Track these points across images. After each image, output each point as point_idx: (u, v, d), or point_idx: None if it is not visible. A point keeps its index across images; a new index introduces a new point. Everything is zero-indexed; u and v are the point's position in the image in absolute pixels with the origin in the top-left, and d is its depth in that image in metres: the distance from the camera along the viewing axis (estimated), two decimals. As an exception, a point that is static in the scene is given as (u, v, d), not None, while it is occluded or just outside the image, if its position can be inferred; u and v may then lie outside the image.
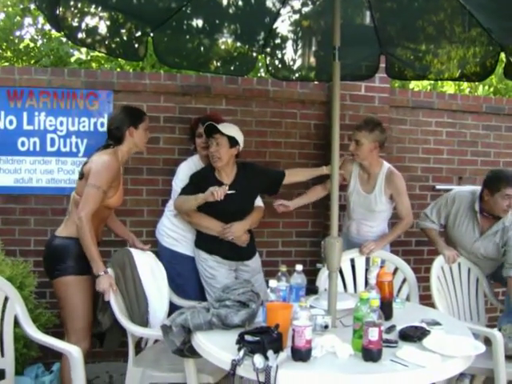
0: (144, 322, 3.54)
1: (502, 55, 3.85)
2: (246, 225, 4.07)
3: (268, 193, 4.40)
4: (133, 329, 3.39)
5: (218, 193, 3.69)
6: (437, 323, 2.99)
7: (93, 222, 3.49)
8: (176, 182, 4.25)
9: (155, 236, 4.44)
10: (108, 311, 3.42)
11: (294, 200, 4.38)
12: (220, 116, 4.43)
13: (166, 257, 4.20)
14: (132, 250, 3.70)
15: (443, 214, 4.27)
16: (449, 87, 7.33)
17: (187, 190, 4.01)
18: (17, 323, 3.12)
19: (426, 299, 4.02)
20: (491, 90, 7.13)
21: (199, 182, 3.99)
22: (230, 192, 3.78)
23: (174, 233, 4.29)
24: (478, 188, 4.19)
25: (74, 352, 2.96)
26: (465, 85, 7.26)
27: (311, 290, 3.41)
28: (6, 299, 3.09)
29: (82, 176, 3.66)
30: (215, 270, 4.05)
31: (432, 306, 3.75)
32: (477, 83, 6.95)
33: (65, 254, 3.57)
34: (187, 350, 2.79)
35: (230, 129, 3.97)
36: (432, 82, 6.80)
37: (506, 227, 4.03)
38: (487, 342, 3.46)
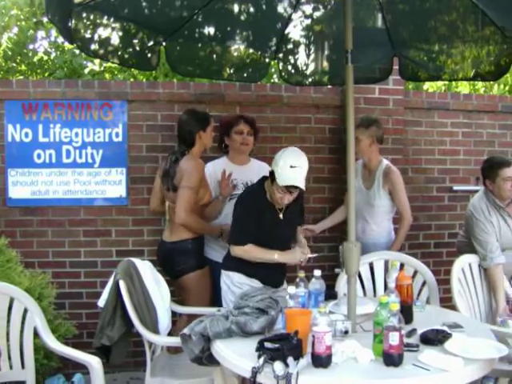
0: (157, 331, 3.53)
1: (517, 53, 3.82)
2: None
3: None
4: (157, 339, 3.42)
5: (305, 260, 3.56)
6: (458, 326, 2.97)
7: None
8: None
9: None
10: (117, 324, 3.39)
11: (319, 223, 4.64)
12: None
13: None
14: (134, 260, 3.69)
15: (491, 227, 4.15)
16: (463, 87, 7.28)
17: (250, 226, 3.53)
18: (37, 334, 3.13)
19: (447, 302, 3.97)
20: (506, 88, 7.07)
21: (257, 211, 3.56)
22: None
23: None
24: (479, 188, 4.36)
25: (93, 363, 2.96)
26: (479, 84, 7.20)
27: (330, 295, 3.39)
28: (26, 311, 3.10)
29: (175, 189, 4.08)
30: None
31: (453, 308, 3.71)
32: (492, 82, 6.89)
33: (183, 255, 4.11)
34: (206, 359, 2.79)
35: (304, 178, 3.44)
36: (446, 82, 6.76)
37: None
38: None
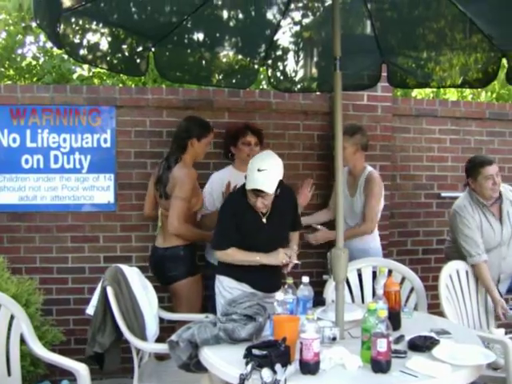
0: (145, 337, 3.52)
1: (504, 61, 3.84)
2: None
3: None
4: (144, 346, 3.41)
5: (288, 267, 3.57)
6: (446, 332, 2.98)
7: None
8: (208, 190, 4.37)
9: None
10: (107, 331, 3.38)
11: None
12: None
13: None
14: (122, 266, 3.67)
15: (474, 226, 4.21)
16: (451, 94, 7.32)
17: (230, 230, 3.55)
18: (23, 341, 3.10)
19: (435, 308, 3.98)
20: (494, 95, 7.11)
21: (236, 216, 3.56)
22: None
23: None
24: (460, 194, 4.44)
25: (80, 370, 2.94)
26: (467, 91, 7.24)
27: (318, 301, 3.39)
28: (12, 317, 3.08)
29: (167, 196, 4.11)
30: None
31: (441, 314, 3.71)
32: (479, 89, 6.94)
33: (174, 261, 4.13)
34: (193, 365, 2.78)
35: (275, 181, 3.40)
36: (434, 89, 6.79)
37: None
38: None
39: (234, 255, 3.58)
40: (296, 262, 3.60)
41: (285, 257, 3.54)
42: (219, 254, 3.63)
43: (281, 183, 3.44)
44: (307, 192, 4.35)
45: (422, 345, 2.73)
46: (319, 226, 4.36)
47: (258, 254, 3.55)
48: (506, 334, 3.66)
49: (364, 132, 4.43)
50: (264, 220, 3.61)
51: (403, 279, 4.00)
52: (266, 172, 3.34)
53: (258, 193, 3.40)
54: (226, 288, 3.69)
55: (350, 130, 4.32)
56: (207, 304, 4.17)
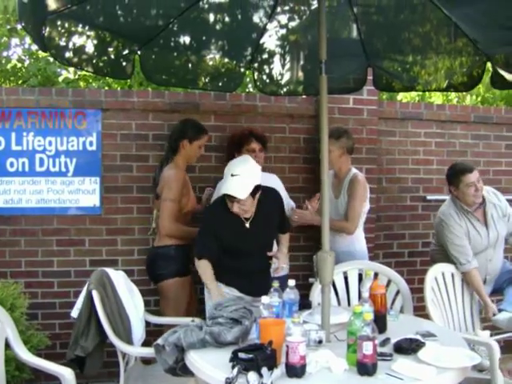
0: (130, 341, 3.51)
1: (489, 65, 3.88)
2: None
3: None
4: (130, 349, 3.39)
5: (278, 271, 3.64)
6: (432, 335, 2.98)
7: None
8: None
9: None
10: (90, 335, 3.36)
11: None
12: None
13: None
14: (108, 269, 3.66)
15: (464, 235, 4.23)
16: (437, 98, 7.36)
17: (205, 239, 3.60)
18: (8, 345, 3.08)
19: (420, 310, 4.00)
20: (479, 99, 7.16)
21: (216, 223, 3.60)
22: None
23: None
24: (445, 197, 4.47)
25: (66, 374, 2.91)
26: (452, 95, 7.29)
27: (304, 304, 3.38)
28: (-3, 322, 3.06)
29: (158, 197, 4.20)
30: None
31: (426, 317, 3.73)
32: (464, 93, 6.98)
33: (165, 260, 4.15)
34: (180, 369, 2.77)
35: (249, 186, 3.40)
36: (420, 93, 6.82)
37: (495, 204, 4.29)
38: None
39: (199, 267, 3.64)
40: (284, 265, 3.61)
41: (218, 299, 3.43)
42: (195, 261, 3.68)
43: (258, 188, 3.46)
44: (315, 205, 4.33)
45: (407, 347, 2.74)
46: (309, 207, 4.34)
47: (212, 282, 3.58)
48: (491, 336, 3.68)
49: (349, 135, 4.44)
50: (247, 225, 3.61)
51: (389, 282, 4.01)
52: (238, 177, 3.37)
53: (231, 198, 3.42)
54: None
55: (336, 134, 4.33)
56: (201, 307, 4.16)
